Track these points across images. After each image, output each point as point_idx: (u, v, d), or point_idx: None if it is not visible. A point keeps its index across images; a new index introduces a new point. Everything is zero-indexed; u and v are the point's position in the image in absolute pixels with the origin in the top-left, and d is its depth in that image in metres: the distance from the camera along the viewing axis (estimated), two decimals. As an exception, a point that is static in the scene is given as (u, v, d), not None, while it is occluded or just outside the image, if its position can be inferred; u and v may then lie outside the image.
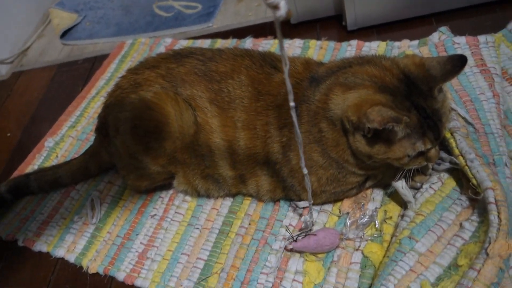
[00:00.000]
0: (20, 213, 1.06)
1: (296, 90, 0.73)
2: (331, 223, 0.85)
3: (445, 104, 0.72)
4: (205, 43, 1.38)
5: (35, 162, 1.19)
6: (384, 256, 0.76)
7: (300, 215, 0.87)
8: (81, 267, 0.92)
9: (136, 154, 0.89)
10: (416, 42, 1.12)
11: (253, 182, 0.88)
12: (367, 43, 1.17)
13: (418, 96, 0.70)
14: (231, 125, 0.83)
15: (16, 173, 1.17)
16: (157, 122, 0.85)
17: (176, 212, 0.96)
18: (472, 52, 0.98)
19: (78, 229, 0.99)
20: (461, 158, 0.77)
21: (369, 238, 0.80)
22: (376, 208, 0.84)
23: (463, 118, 0.85)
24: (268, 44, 1.28)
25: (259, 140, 0.82)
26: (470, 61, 0.96)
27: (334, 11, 1.31)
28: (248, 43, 1.30)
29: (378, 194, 0.86)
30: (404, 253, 0.71)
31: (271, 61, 0.85)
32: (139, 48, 1.45)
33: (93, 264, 0.92)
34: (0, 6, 1.63)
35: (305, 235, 0.81)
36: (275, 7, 0.46)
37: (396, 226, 0.79)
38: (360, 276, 0.76)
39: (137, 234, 0.94)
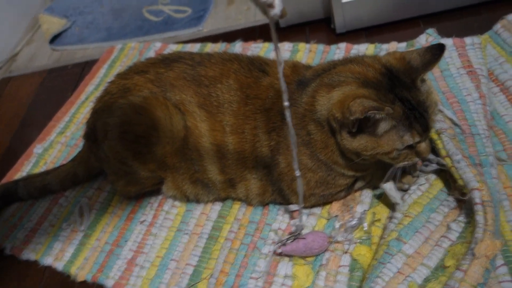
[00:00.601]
0: (8, 221, 1.05)
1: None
2: (320, 226, 0.85)
3: (430, 97, 0.73)
4: (195, 47, 1.37)
5: (23, 169, 1.18)
6: (372, 259, 0.76)
7: (290, 219, 0.87)
8: (70, 276, 0.91)
9: (126, 160, 0.89)
10: (404, 44, 1.13)
11: (242, 186, 0.88)
12: (355, 46, 1.18)
13: (401, 88, 0.71)
14: (220, 129, 0.83)
15: (4, 180, 1.16)
16: (146, 127, 0.85)
17: (165, 218, 0.95)
18: (459, 54, 0.99)
19: (66, 237, 0.98)
20: (448, 159, 0.77)
21: (358, 240, 0.80)
22: (364, 210, 0.84)
23: (450, 119, 0.86)
24: (258, 48, 1.28)
25: (248, 144, 0.82)
26: (457, 62, 0.97)
27: (323, 14, 1.32)
28: (238, 47, 1.30)
29: (366, 197, 0.86)
30: (392, 255, 0.71)
31: (260, 65, 0.86)
32: (129, 53, 1.44)
33: (81, 272, 0.91)
34: (-12, 12, 1.63)
35: (294, 239, 0.80)
36: (270, 6, 0.45)
37: (385, 228, 0.79)
38: (349, 279, 0.76)
39: (126, 241, 0.94)
